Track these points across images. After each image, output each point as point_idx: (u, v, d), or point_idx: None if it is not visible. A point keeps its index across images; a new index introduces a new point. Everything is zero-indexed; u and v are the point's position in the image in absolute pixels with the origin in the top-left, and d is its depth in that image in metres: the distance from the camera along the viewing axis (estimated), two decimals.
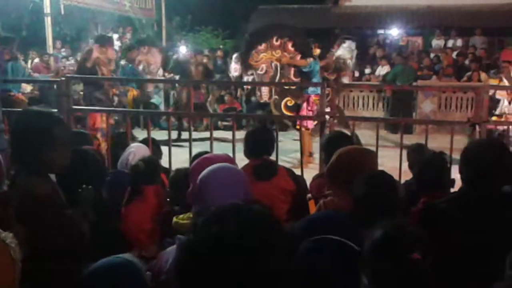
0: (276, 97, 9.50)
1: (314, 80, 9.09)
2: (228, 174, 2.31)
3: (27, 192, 2.29)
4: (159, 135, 5.41)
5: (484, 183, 2.46)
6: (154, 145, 4.95)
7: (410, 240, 1.99)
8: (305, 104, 9.11)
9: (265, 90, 9.60)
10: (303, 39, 9.85)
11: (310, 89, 9.06)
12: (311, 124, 8.69)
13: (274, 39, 9.39)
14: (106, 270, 1.96)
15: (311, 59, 9.32)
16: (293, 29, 9.97)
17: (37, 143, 2.36)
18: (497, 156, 2.49)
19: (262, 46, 9.39)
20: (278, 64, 9.39)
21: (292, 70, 9.42)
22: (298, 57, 9.34)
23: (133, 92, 11.19)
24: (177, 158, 5.15)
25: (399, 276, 1.97)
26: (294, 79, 9.40)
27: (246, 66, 9.47)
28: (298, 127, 8.46)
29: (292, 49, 9.38)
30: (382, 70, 14.54)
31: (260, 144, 3.96)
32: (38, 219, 2.21)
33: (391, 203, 2.43)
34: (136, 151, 4.29)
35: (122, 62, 11.59)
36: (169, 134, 5.17)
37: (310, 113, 8.72)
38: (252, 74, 9.58)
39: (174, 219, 2.80)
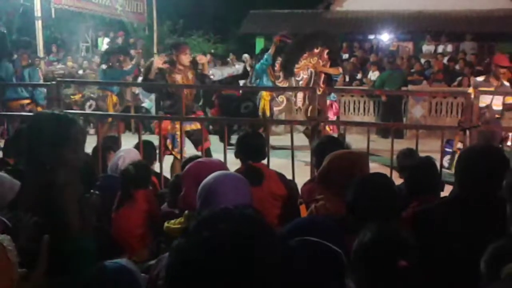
0: (306, 103, 9.36)
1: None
2: (234, 182, 2.32)
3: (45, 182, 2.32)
4: (149, 139, 5.40)
5: (480, 188, 2.47)
6: (150, 148, 4.96)
7: (396, 246, 2.00)
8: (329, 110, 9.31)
9: (300, 96, 9.57)
10: (337, 47, 9.89)
11: (332, 95, 9.38)
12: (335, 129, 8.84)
13: (315, 48, 9.33)
14: (105, 275, 1.96)
15: (340, 68, 9.50)
16: (331, 37, 9.85)
17: (53, 143, 2.38)
18: (493, 161, 2.50)
19: (306, 53, 9.33)
20: (313, 71, 9.34)
21: (322, 77, 9.35)
22: (328, 64, 9.32)
23: (112, 98, 11.18)
24: (168, 162, 5.14)
25: (385, 282, 1.97)
26: (322, 86, 9.17)
27: (290, 73, 9.34)
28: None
29: (326, 56, 9.32)
30: (373, 75, 14.59)
31: (248, 149, 3.95)
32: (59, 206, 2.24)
33: (384, 207, 2.43)
34: (126, 155, 4.27)
35: (104, 66, 11.52)
36: (160, 139, 5.16)
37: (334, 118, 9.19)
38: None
39: (166, 223, 2.79)
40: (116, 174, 4.12)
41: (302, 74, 9.36)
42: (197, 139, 6.56)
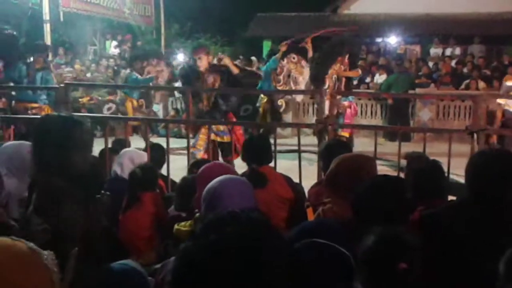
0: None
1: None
2: (239, 186, 2.33)
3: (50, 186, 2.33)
4: (157, 142, 5.42)
5: (490, 191, 2.46)
6: (160, 151, 4.98)
7: (397, 248, 2.01)
8: (348, 111, 9.44)
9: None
10: (359, 51, 9.82)
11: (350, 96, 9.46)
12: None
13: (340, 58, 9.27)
14: (112, 277, 1.95)
15: (359, 69, 9.55)
16: (356, 42, 9.92)
17: (60, 145, 2.40)
18: (506, 165, 2.49)
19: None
20: (336, 76, 9.26)
21: (344, 80, 9.33)
22: (348, 68, 9.31)
23: (132, 102, 11.21)
24: (174, 165, 5.16)
25: (387, 284, 1.98)
26: (344, 90, 9.37)
27: (322, 83, 9.18)
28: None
29: (347, 61, 9.31)
30: (380, 78, 14.56)
31: (253, 152, 3.95)
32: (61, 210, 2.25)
33: (390, 211, 2.42)
34: (130, 157, 4.28)
35: (125, 71, 11.57)
36: (167, 141, 5.17)
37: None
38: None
39: (176, 226, 2.81)
40: (120, 176, 4.13)
41: (328, 82, 9.26)
42: (227, 150, 6.78)
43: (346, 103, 9.45)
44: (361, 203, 2.51)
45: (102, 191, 2.78)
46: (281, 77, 9.60)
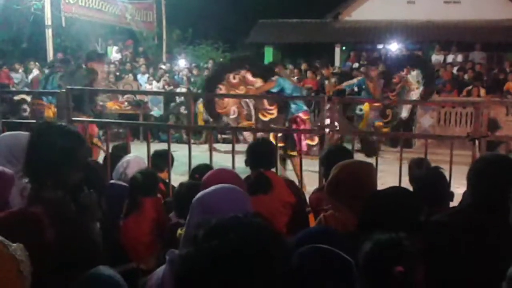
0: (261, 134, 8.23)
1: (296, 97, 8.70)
2: (232, 194, 2.29)
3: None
4: (158, 147, 5.41)
5: (494, 197, 2.45)
6: (162, 157, 4.98)
7: (395, 252, 2.01)
8: (294, 126, 8.56)
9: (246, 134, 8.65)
10: (258, 63, 9.48)
11: (293, 108, 8.52)
12: (305, 146, 8.23)
13: (231, 77, 8.74)
14: (88, 284, 1.90)
15: (276, 76, 8.78)
16: (244, 59, 9.43)
17: (57, 159, 2.30)
18: (508, 170, 2.48)
19: (222, 90, 8.69)
20: (248, 100, 8.75)
21: (265, 101, 8.69)
22: (261, 82, 8.68)
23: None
24: (174, 170, 5.16)
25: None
26: (270, 107, 8.67)
27: (215, 116, 8.84)
28: (292, 153, 8.16)
29: (253, 79, 8.70)
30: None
31: (257, 157, 3.94)
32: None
33: (401, 224, 2.41)
34: (129, 162, 4.28)
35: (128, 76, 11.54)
36: (169, 147, 5.17)
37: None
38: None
39: (179, 230, 2.80)
40: (120, 182, 4.13)
41: (237, 109, 8.76)
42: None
43: (292, 117, 8.66)
44: (370, 216, 2.50)
45: (85, 190, 2.62)
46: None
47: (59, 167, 2.31)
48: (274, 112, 8.62)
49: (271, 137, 7.58)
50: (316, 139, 8.06)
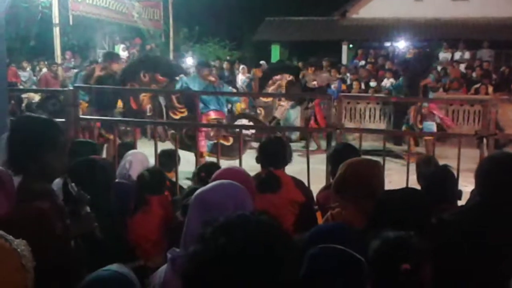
0: (173, 131, 8.46)
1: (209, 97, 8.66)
2: (232, 191, 2.26)
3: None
4: (165, 146, 5.42)
5: (502, 196, 2.44)
6: (166, 155, 4.98)
7: (401, 250, 2.01)
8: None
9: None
10: (167, 64, 9.70)
11: (201, 107, 8.51)
12: (204, 146, 8.31)
13: (142, 75, 8.92)
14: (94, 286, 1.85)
15: (181, 75, 9.02)
16: (155, 59, 9.85)
17: (39, 149, 2.34)
18: None
19: (136, 87, 8.95)
20: (160, 98, 8.94)
21: (174, 97, 8.86)
22: (165, 80, 9.03)
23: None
24: (181, 168, 5.17)
25: (392, 285, 1.98)
26: (179, 105, 8.78)
27: (131, 112, 8.88)
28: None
29: (162, 78, 9.01)
30: (388, 82, 14.52)
31: (267, 155, 3.93)
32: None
33: (413, 223, 2.40)
34: (133, 159, 4.28)
35: None
36: (176, 145, 5.18)
37: (211, 133, 8.34)
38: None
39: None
40: (124, 180, 4.13)
41: (151, 106, 8.91)
42: None
43: (202, 116, 8.64)
44: (384, 215, 2.49)
45: (68, 184, 2.61)
46: None
47: (41, 155, 2.34)
48: (185, 110, 8.80)
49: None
50: (231, 140, 8.30)
